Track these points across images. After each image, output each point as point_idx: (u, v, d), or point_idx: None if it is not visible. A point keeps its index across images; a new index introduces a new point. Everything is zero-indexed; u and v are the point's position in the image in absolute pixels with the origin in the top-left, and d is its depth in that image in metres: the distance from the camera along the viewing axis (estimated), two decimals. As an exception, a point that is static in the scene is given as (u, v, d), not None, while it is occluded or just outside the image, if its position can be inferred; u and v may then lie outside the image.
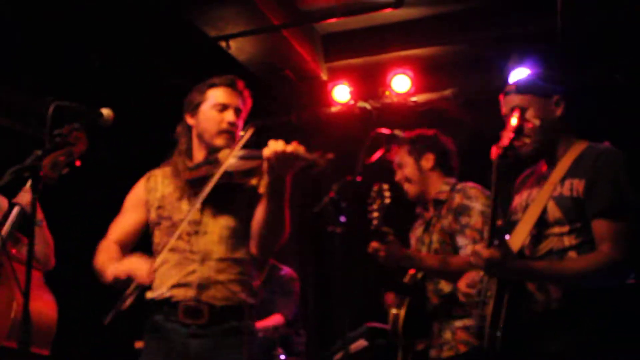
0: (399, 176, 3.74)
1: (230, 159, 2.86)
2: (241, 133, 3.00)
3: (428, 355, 3.56)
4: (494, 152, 2.64)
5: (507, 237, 2.69)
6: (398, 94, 6.00)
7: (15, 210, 3.48)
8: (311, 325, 5.79)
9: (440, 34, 5.90)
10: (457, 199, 3.55)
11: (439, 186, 3.66)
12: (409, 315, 3.55)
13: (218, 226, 2.94)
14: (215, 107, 3.03)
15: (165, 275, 2.91)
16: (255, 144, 2.94)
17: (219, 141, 3.00)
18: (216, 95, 3.05)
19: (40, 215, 3.69)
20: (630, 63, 5.43)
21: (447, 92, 6.13)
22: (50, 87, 4.59)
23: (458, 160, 3.80)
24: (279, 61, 5.92)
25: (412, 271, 3.71)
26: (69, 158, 3.13)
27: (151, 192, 3.08)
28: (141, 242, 3.13)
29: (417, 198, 3.72)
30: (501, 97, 2.82)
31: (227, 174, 2.85)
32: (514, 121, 2.64)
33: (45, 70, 5.06)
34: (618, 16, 5.18)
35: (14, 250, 3.61)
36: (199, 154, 3.06)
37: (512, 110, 2.73)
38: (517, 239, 2.68)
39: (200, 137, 3.06)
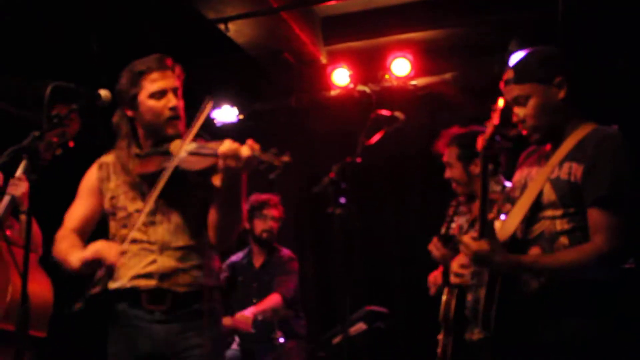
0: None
1: (182, 153, 2.80)
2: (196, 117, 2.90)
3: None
4: (479, 143, 2.62)
5: (502, 217, 2.68)
6: (398, 78, 5.99)
7: (7, 198, 3.48)
8: (310, 308, 5.78)
9: (441, 17, 5.86)
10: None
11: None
12: (459, 301, 3.53)
13: (174, 215, 2.93)
14: (153, 97, 2.93)
15: (126, 266, 2.91)
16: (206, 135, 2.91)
17: (170, 130, 2.93)
18: (150, 83, 2.93)
19: (26, 204, 3.68)
20: (632, 48, 5.39)
21: (447, 76, 6.12)
22: (48, 69, 4.56)
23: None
24: (278, 44, 5.88)
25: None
26: (62, 139, 3.12)
27: (104, 182, 3.05)
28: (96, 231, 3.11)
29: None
30: (501, 85, 2.77)
31: (180, 172, 2.81)
32: (499, 109, 2.60)
33: (43, 53, 5.03)
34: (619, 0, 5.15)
35: (8, 232, 3.62)
36: (146, 143, 3.00)
37: (513, 100, 2.69)
38: (513, 220, 2.66)
39: (146, 128, 2.98)
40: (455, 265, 2.95)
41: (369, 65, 6.14)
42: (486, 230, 2.58)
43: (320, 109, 6.49)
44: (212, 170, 2.77)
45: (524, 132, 2.71)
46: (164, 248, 2.90)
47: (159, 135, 2.95)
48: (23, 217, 3.67)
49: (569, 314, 2.52)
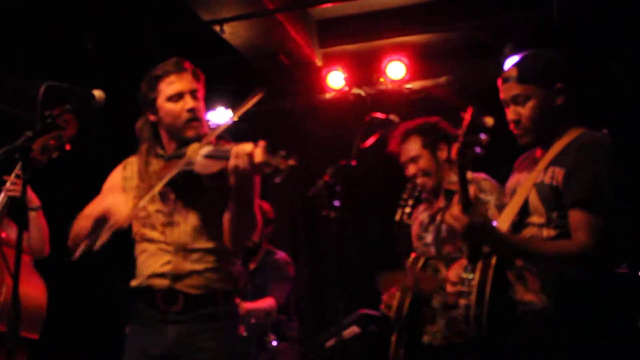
0: (412, 170, 3.67)
1: (198, 157, 2.80)
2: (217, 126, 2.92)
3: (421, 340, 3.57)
4: (454, 151, 2.62)
5: (493, 222, 2.68)
6: (393, 81, 5.99)
7: (3, 195, 3.46)
8: (304, 311, 5.78)
9: (436, 21, 5.87)
10: (472, 191, 3.48)
11: (450, 176, 3.61)
12: (413, 301, 3.52)
13: (191, 218, 2.93)
14: (170, 100, 2.94)
15: (144, 265, 2.94)
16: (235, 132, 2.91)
17: (190, 132, 2.93)
18: (167, 86, 2.95)
19: (36, 201, 3.67)
20: (627, 51, 5.41)
21: (442, 80, 6.12)
22: (42, 68, 4.55)
23: None
24: (273, 46, 5.88)
25: (413, 255, 3.69)
26: (59, 142, 3.11)
27: (127, 181, 3.05)
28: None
29: (433, 190, 3.67)
30: (499, 81, 2.77)
31: (194, 176, 2.80)
32: (467, 119, 2.58)
33: (37, 51, 5.02)
34: (615, 2, 5.15)
35: (3, 234, 3.60)
36: (169, 147, 3.01)
37: (511, 99, 2.69)
38: (501, 225, 2.67)
39: (168, 131, 2.99)
40: (452, 275, 2.94)
41: (364, 68, 6.14)
42: (471, 202, 2.57)
43: (315, 111, 6.48)
44: (224, 173, 2.74)
45: (516, 132, 2.71)
46: (179, 249, 2.90)
47: (180, 138, 2.95)
48: (32, 214, 3.65)
49: (562, 317, 2.53)
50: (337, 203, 3.16)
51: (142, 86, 3.02)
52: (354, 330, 4.97)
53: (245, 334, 4.68)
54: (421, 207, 3.80)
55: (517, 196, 2.68)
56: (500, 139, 2.73)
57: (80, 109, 2.92)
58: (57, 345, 4.67)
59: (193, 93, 2.97)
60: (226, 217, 2.84)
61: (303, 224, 6.64)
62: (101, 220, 2.80)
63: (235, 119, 2.85)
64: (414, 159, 3.66)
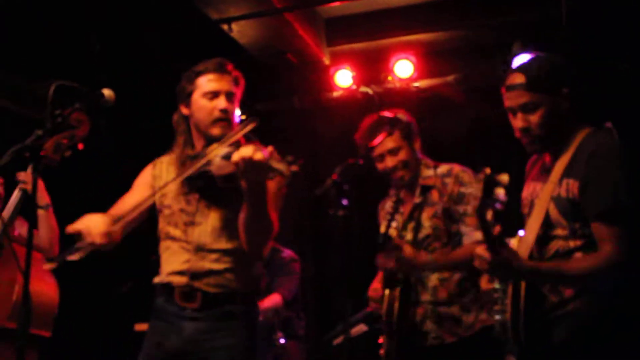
0: (391, 162, 3.62)
1: (216, 157, 2.82)
2: (239, 126, 2.92)
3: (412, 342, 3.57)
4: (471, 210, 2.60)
5: (521, 232, 2.71)
6: (400, 79, 6.00)
7: (17, 193, 3.47)
8: (311, 309, 5.79)
9: (444, 19, 5.87)
10: (451, 185, 3.56)
11: (424, 171, 3.66)
12: (403, 304, 3.53)
13: (211, 217, 2.97)
14: (206, 96, 2.97)
15: (167, 262, 3.00)
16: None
17: (215, 131, 2.95)
18: (205, 82, 2.99)
19: (47, 199, 3.69)
20: (635, 50, 5.40)
21: (450, 78, 6.12)
22: (51, 69, 4.57)
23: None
24: (281, 45, 5.89)
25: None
26: (72, 141, 3.13)
27: (156, 179, 3.10)
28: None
29: (410, 183, 3.66)
30: (503, 89, 2.75)
31: (211, 177, 2.84)
32: (483, 180, 2.50)
33: (46, 52, 5.03)
34: (622, 2, 5.14)
35: (16, 233, 3.62)
36: (198, 143, 3.04)
37: (520, 107, 2.67)
38: (527, 239, 2.69)
39: (196, 127, 3.02)
40: (483, 282, 2.97)
41: (372, 67, 6.15)
42: (496, 241, 2.52)
43: (323, 110, 6.49)
44: (236, 175, 2.75)
45: (525, 140, 2.71)
46: (198, 249, 2.94)
47: (206, 135, 2.98)
48: (41, 212, 3.66)
49: (588, 327, 2.56)
50: (344, 202, 3.16)
51: (182, 79, 3.05)
52: (361, 328, 4.98)
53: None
54: (388, 204, 3.77)
55: (536, 209, 2.69)
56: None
57: (90, 108, 2.94)
58: (68, 343, 4.70)
59: (229, 95, 3.00)
60: (240, 220, 2.84)
61: (310, 223, 6.65)
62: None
63: (225, 145, 2.85)
64: (393, 151, 3.63)
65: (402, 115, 3.72)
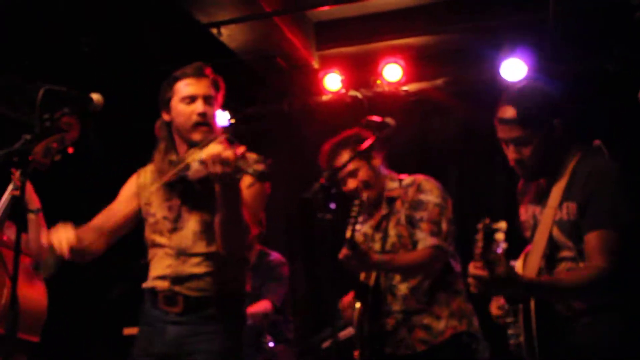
0: (353, 184, 3.64)
1: (194, 162, 2.84)
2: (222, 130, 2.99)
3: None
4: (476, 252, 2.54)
5: (528, 247, 2.78)
6: (389, 83, 6.01)
7: (7, 197, 3.47)
8: (300, 313, 5.79)
9: (433, 23, 5.89)
10: (411, 193, 3.59)
11: (388, 184, 3.67)
12: (372, 314, 3.56)
13: (192, 223, 2.99)
14: (183, 101, 2.99)
15: (153, 268, 3.04)
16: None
17: (196, 136, 2.97)
18: (183, 87, 3.00)
19: (37, 203, 3.68)
20: (621, 52, 5.44)
21: (439, 82, 6.14)
22: (40, 71, 4.56)
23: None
24: (271, 49, 5.89)
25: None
26: (62, 145, 3.13)
27: (142, 188, 3.13)
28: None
29: (375, 201, 3.68)
30: (496, 121, 2.79)
31: (189, 182, 2.88)
32: (481, 231, 2.48)
33: (35, 54, 5.03)
34: (610, 3, 5.18)
35: (5, 237, 3.61)
36: (181, 149, 3.05)
37: (512, 140, 2.73)
38: (532, 262, 2.73)
39: (178, 132, 3.04)
40: (493, 308, 2.98)
41: (361, 71, 6.16)
42: (491, 257, 2.47)
43: (312, 113, 6.49)
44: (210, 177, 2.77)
45: (520, 171, 2.79)
46: (180, 253, 2.97)
47: (188, 141, 3.00)
48: (32, 217, 3.65)
49: (602, 342, 2.60)
50: (332, 206, 3.17)
51: (163, 86, 3.07)
52: (350, 331, 4.98)
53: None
54: (359, 219, 3.71)
55: (539, 233, 2.73)
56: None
57: (78, 112, 2.94)
58: (57, 348, 4.68)
59: (207, 99, 3.01)
60: (215, 223, 2.85)
61: (299, 226, 6.66)
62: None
63: (202, 152, 2.83)
64: (352, 173, 3.64)
65: (358, 133, 3.68)
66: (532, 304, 2.63)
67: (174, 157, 3.02)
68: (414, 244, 3.54)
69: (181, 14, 5.26)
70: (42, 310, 3.65)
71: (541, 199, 2.79)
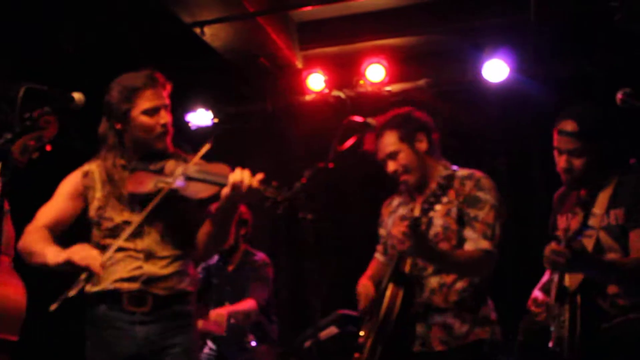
0: (392, 167, 3.45)
1: (180, 177, 2.94)
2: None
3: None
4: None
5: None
6: (372, 83, 6.03)
7: None
8: (283, 312, 5.79)
9: (416, 24, 5.91)
10: (468, 187, 3.36)
11: (439, 170, 3.43)
12: (404, 307, 3.32)
13: (160, 227, 3.05)
14: (146, 113, 3.03)
15: (109, 271, 3.00)
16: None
17: (159, 144, 3.07)
18: (144, 100, 3.02)
19: (5, 206, 3.64)
20: (604, 53, 5.49)
21: (422, 82, 6.17)
22: (22, 70, 4.54)
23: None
24: (254, 48, 5.89)
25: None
26: (39, 142, 3.12)
27: (89, 190, 3.11)
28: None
29: (418, 185, 3.45)
30: (555, 131, 3.09)
31: (180, 197, 2.94)
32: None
33: (17, 53, 5.00)
34: (591, 6, 5.22)
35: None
36: (134, 155, 3.10)
37: (567, 150, 3.04)
38: None
39: (135, 142, 3.08)
40: (532, 305, 3.18)
41: (344, 71, 6.17)
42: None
43: (295, 113, 6.51)
44: (214, 198, 2.91)
45: (565, 178, 3.10)
46: (149, 256, 3.02)
47: (147, 149, 3.06)
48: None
49: None
50: (314, 205, 3.17)
51: (113, 94, 3.06)
52: (332, 330, 4.99)
53: (224, 334, 4.70)
54: (395, 202, 3.64)
55: (585, 239, 2.94)
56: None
57: (59, 111, 2.93)
58: (37, 347, 4.66)
59: (167, 107, 3.09)
60: (203, 232, 3.04)
61: (283, 226, 6.67)
62: (78, 267, 2.82)
63: (190, 167, 2.98)
64: (392, 155, 3.45)
65: (405, 115, 3.54)
66: (579, 299, 2.88)
67: (123, 162, 3.08)
68: (460, 240, 3.32)
69: (164, 13, 5.25)
70: (20, 309, 3.62)
71: (582, 208, 3.03)
